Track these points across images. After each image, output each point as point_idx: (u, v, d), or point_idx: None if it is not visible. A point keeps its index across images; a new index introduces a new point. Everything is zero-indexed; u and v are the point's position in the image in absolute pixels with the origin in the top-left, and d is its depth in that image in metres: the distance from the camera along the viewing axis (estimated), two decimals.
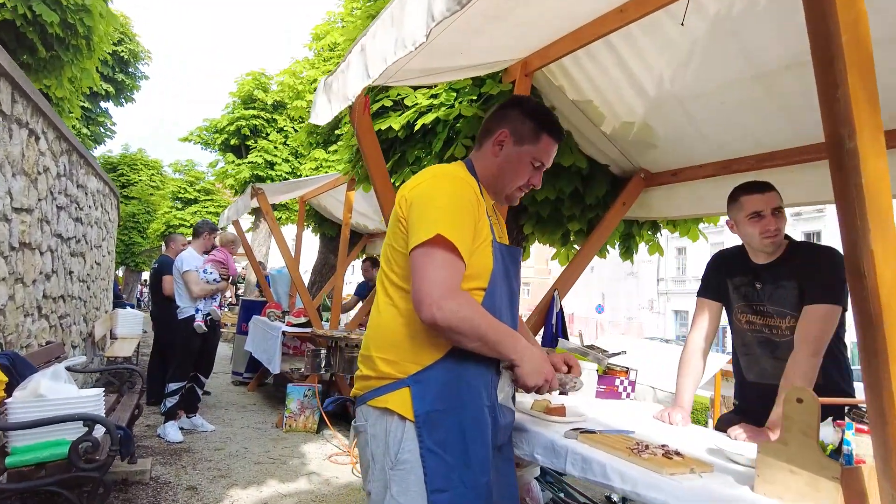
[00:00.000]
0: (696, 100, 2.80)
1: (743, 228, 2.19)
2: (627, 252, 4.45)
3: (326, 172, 8.26)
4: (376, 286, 1.58)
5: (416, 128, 3.32)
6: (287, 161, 12.54)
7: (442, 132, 3.43)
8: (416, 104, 3.50)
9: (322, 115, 2.59)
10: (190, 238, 5.75)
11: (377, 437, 1.42)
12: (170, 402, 4.68)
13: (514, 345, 1.40)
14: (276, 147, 12.46)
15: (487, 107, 3.28)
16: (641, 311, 36.84)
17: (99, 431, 2.33)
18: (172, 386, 4.69)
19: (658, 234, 4.91)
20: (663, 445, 1.53)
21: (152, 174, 22.97)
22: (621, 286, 35.50)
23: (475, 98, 3.35)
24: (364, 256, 8.21)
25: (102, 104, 14.98)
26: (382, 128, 3.50)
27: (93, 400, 2.42)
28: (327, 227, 8.61)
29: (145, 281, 26.94)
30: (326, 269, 8.96)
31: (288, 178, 12.03)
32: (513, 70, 3.09)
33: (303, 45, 8.90)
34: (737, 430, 1.93)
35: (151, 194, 21.64)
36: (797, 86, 2.48)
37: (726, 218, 2.33)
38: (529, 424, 1.74)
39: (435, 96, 3.45)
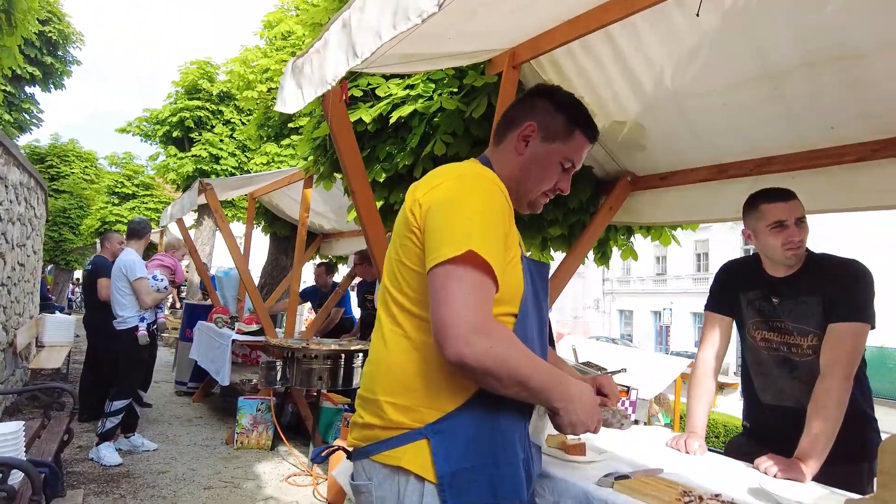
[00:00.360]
0: (696, 99, 2.63)
1: (763, 239, 2.01)
2: (603, 257, 4.31)
3: (279, 168, 7.79)
4: (378, 310, 1.28)
5: (392, 121, 3.02)
6: (234, 155, 11.87)
7: (418, 126, 3.14)
8: (390, 95, 3.20)
9: (290, 102, 2.26)
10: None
11: (387, 500, 1.13)
12: (111, 422, 4.17)
13: (563, 392, 1.14)
14: (221, 140, 11.78)
15: (469, 100, 3.02)
16: (587, 310, 37.53)
17: (17, 477, 1.93)
18: (117, 404, 4.18)
19: (632, 239, 4.79)
20: (717, 495, 1.31)
21: (86, 167, 21.50)
22: (568, 285, 35.98)
23: (456, 90, 3.09)
24: (318, 260, 7.79)
25: (28, 89, 13.80)
26: (351, 119, 3.19)
27: (7, 439, 2.01)
28: (279, 226, 8.14)
29: (77, 280, 25.28)
30: (277, 270, 8.48)
31: (235, 174, 11.41)
32: (498, 61, 2.84)
33: (253, 33, 8.39)
34: (766, 463, 1.74)
35: (85, 188, 20.25)
36: (805, 88, 2.34)
37: (736, 226, 2.16)
38: (552, 468, 1.49)
39: (411, 87, 3.16)
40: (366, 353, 4.63)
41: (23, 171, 5.66)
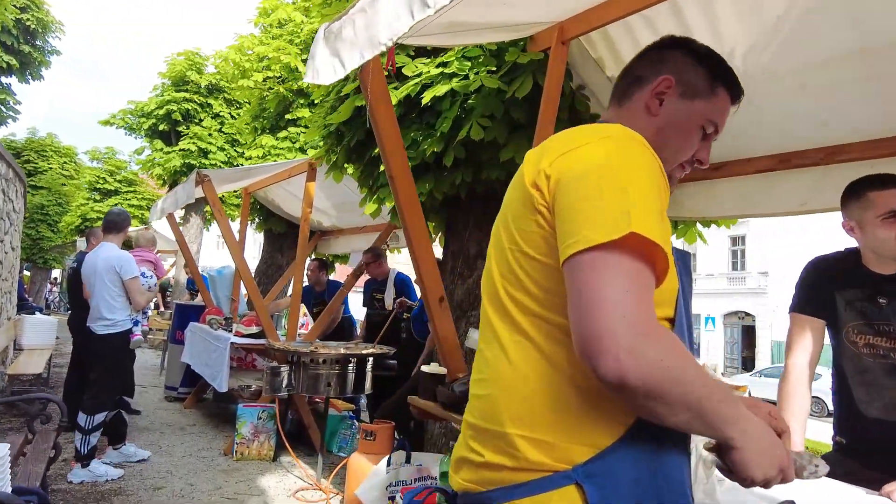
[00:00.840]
0: (770, 82, 2.38)
1: (871, 231, 1.77)
2: None
3: (275, 161, 7.44)
4: (487, 315, 0.99)
5: (425, 100, 2.73)
6: (223, 149, 11.47)
7: (450, 109, 2.86)
8: (419, 74, 2.92)
9: (324, 72, 1.97)
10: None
11: None
12: (95, 437, 3.75)
13: (742, 417, 0.84)
14: (210, 134, 11.38)
15: (511, 79, 2.75)
16: None
17: None
18: (99, 417, 3.75)
19: None
20: None
21: (65, 162, 20.84)
22: None
23: (494, 69, 2.81)
24: (313, 256, 7.44)
25: (3, 79, 13.24)
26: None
27: None
28: (273, 223, 7.79)
29: (55, 279, 24.52)
30: (272, 269, 8.13)
31: (223, 168, 11.01)
32: (543, 37, 2.57)
33: (248, 20, 8.03)
34: None
35: (64, 184, 19.59)
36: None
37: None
38: None
39: (444, 65, 2.87)
40: (377, 357, 4.35)
41: (1, 161, 5.26)
